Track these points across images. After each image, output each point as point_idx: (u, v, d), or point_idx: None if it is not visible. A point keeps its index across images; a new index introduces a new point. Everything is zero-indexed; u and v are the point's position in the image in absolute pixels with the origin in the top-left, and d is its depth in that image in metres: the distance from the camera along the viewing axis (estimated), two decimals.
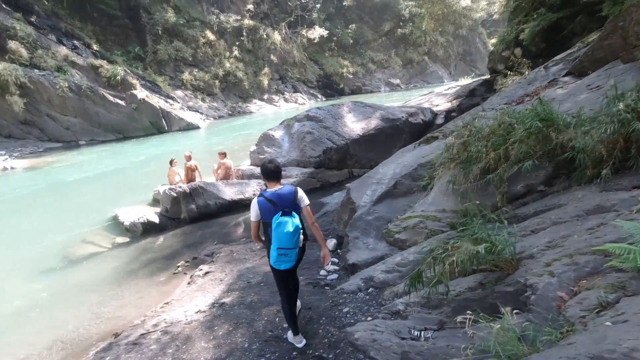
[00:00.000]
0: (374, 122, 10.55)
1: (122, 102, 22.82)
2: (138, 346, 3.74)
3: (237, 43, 34.79)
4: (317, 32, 39.61)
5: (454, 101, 13.35)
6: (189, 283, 5.38)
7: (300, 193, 3.23)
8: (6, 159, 18.93)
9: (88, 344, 4.44)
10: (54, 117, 21.79)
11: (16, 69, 20.30)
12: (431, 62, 50.96)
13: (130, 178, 13.64)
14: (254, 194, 8.93)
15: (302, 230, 3.10)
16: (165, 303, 4.86)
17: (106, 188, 12.46)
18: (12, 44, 20.95)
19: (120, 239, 7.65)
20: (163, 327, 4.02)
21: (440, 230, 4.33)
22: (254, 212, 3.15)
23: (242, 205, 8.66)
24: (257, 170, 9.98)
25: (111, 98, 22.58)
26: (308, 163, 9.80)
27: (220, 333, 3.69)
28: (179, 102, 26.94)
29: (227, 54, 33.70)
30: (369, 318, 3.41)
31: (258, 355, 3.27)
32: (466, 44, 56.06)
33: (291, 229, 2.98)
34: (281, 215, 3.03)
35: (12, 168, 17.36)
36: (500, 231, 2.91)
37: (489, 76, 14.23)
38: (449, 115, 12.15)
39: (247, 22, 35.58)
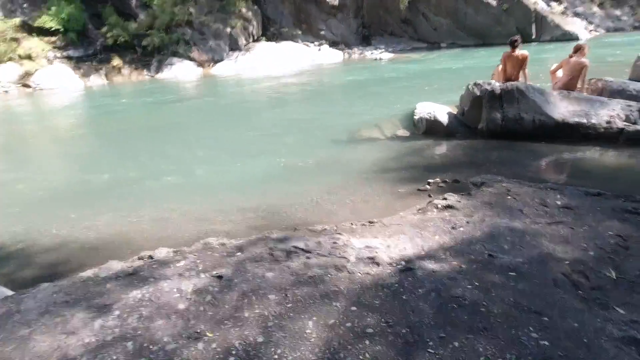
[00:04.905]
0: None
1: (493, 2, 19.77)
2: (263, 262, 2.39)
3: None
4: None
5: None
6: (419, 210, 3.41)
7: None
8: (381, 52, 21.12)
9: (280, 225, 3.58)
10: (427, 16, 21.89)
11: None
12: None
13: (464, 78, 11.77)
14: (607, 122, 5.09)
15: None
16: (370, 222, 3.20)
17: (434, 84, 11.25)
18: None
19: (402, 132, 6.31)
20: (309, 255, 2.45)
21: None
22: None
23: (578, 135, 5.17)
24: (633, 86, 5.67)
25: None
26: None
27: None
28: (563, 5, 20.80)
29: None
30: None
31: None
32: None
33: None
34: None
35: (380, 59, 19.21)
36: None
37: None
38: None
39: None
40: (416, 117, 6.30)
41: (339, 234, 2.86)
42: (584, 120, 5.17)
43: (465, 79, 11.56)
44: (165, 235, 3.76)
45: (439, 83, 11.34)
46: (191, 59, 18.93)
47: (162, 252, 2.96)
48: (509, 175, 4.22)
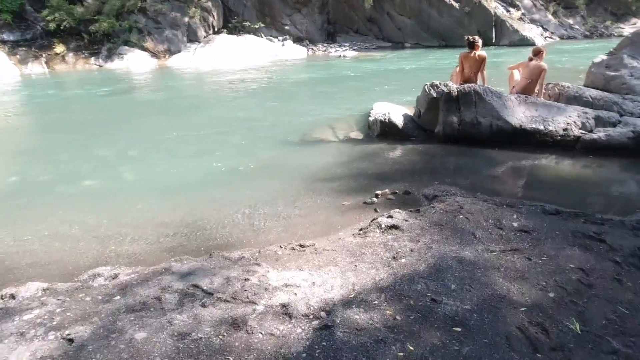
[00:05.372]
0: None
1: (456, 5, 19.88)
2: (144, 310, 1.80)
3: None
4: None
5: None
6: (360, 230, 2.92)
7: None
8: (346, 49, 20.71)
9: (198, 248, 2.98)
10: (392, 16, 21.72)
11: None
12: None
13: (425, 78, 11.57)
14: (564, 129, 4.85)
15: None
16: (301, 246, 2.67)
17: (395, 83, 10.94)
18: None
19: (355, 134, 5.85)
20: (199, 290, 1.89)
21: None
22: None
23: (535, 141, 4.90)
24: (589, 93, 5.51)
25: None
26: None
27: None
28: (520, 11, 21.29)
29: None
30: None
31: None
32: None
33: None
34: None
35: (344, 57, 18.80)
36: None
37: None
38: None
39: None
40: (371, 119, 5.85)
41: (258, 264, 2.31)
42: (541, 127, 4.91)
43: (425, 79, 11.34)
44: (56, 259, 3.05)
45: (399, 82, 11.04)
46: (145, 49, 17.64)
47: (29, 289, 2.30)
48: (464, 186, 3.84)
